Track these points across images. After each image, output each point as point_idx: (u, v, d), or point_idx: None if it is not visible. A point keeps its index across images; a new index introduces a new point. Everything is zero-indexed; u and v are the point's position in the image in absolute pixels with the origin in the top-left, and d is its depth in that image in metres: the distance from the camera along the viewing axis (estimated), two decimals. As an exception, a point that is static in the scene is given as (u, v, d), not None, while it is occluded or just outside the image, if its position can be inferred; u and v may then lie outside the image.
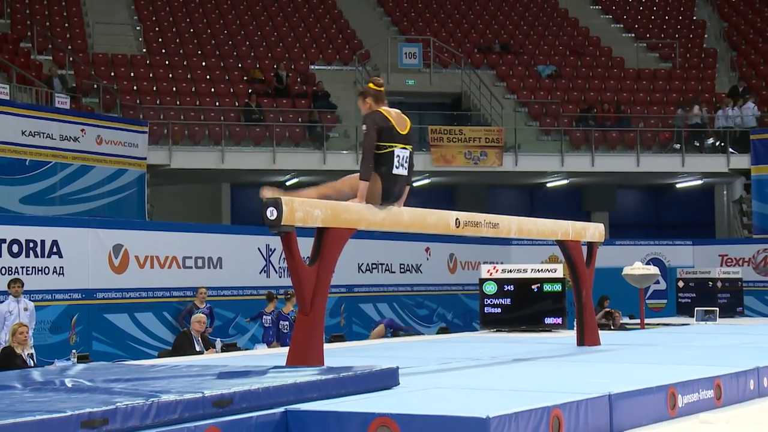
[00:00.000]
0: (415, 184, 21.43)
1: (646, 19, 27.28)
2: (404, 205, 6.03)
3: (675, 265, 18.92)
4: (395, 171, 5.59)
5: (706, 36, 26.62)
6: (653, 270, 13.63)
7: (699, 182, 22.25)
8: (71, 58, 19.76)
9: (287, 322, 13.03)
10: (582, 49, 25.13)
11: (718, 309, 13.64)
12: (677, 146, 20.78)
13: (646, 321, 13.76)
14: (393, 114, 5.70)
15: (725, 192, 23.33)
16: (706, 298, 15.41)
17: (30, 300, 11.52)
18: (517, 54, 24.32)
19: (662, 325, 13.34)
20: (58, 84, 17.73)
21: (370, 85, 5.80)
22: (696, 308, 13.82)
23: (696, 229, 23.11)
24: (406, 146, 5.66)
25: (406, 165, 5.65)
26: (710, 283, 16.01)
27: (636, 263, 13.69)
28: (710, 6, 27.71)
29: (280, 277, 14.77)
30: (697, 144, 21.16)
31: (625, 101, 22.69)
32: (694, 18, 27.47)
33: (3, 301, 11.35)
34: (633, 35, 26.28)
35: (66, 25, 21.74)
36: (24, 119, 14.80)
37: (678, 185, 23.01)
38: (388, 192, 5.63)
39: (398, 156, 5.60)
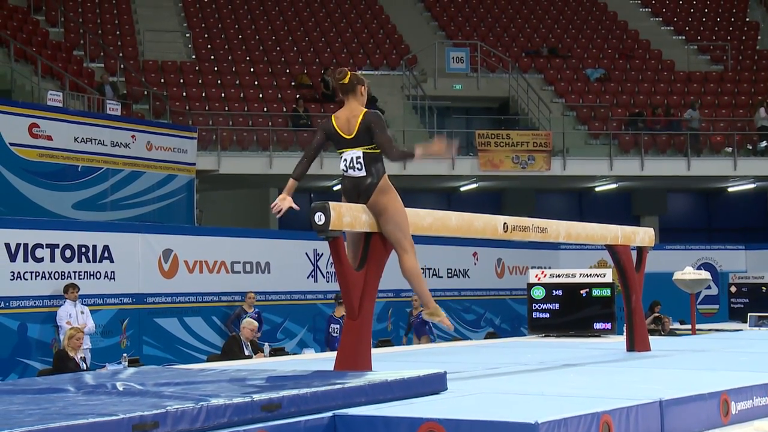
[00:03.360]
0: (462, 189, 21.47)
1: (697, 21, 26.94)
2: (452, 210, 5.99)
3: (727, 270, 18.64)
4: (347, 173, 5.47)
5: (759, 38, 26.21)
6: (705, 275, 13.44)
7: (752, 186, 21.91)
8: (122, 66, 20.04)
9: (338, 326, 13.10)
10: (631, 52, 24.88)
11: (772, 315, 13.43)
12: (729, 149, 20.50)
13: (698, 326, 13.58)
14: (342, 117, 5.50)
15: (779, 196, 22.94)
16: (760, 303, 15.18)
17: (83, 304, 11.73)
18: (565, 58, 24.16)
19: (714, 331, 13.15)
20: (109, 91, 17.99)
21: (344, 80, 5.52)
22: (749, 313, 13.63)
23: (749, 234, 22.75)
24: (356, 148, 5.41)
25: (358, 166, 5.40)
26: (764, 288, 15.77)
27: (687, 268, 13.52)
28: (764, 7, 27.29)
29: (327, 281, 14.82)
30: (750, 147, 20.86)
31: (675, 104, 22.43)
32: (747, 20, 27.05)
33: (61, 305, 11.55)
34: (684, 38, 25.97)
35: (117, 33, 22.06)
36: (76, 126, 15.03)
37: (730, 189, 22.68)
38: (347, 192, 5.52)
39: (345, 160, 5.47)
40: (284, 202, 5.41)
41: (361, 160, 5.41)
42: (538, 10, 26.58)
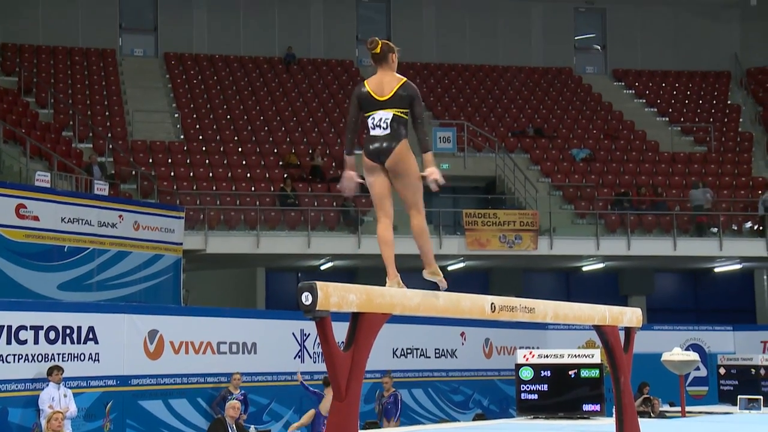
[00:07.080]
0: (450, 268, 21.45)
1: (680, 104, 27.38)
2: (440, 290, 5.99)
3: (715, 351, 18.56)
4: (372, 132, 5.75)
5: (741, 120, 26.63)
6: (693, 356, 13.39)
7: (738, 266, 21.99)
8: (111, 146, 20.14)
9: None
10: (616, 133, 25.21)
11: (762, 397, 13.33)
12: (714, 230, 20.63)
13: (687, 409, 13.47)
14: (374, 81, 5.75)
15: (765, 276, 23.00)
16: (749, 385, 15.07)
17: (66, 387, 11.54)
18: (551, 138, 24.44)
19: (704, 414, 13.04)
20: (97, 171, 18.05)
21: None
22: (739, 396, 13.52)
23: (736, 315, 22.75)
24: (387, 109, 5.68)
25: (383, 125, 5.69)
26: (753, 370, 15.67)
27: (675, 349, 13.47)
28: (745, 90, 27.77)
29: (314, 362, 14.67)
30: (735, 228, 21.01)
31: (660, 185, 22.64)
32: (729, 102, 27.51)
33: (44, 389, 11.36)
34: (667, 119, 26.36)
35: (107, 113, 22.24)
36: (64, 206, 15.02)
37: (716, 269, 22.74)
38: (368, 152, 5.78)
39: (373, 118, 5.72)
40: (350, 181, 5.82)
41: (389, 121, 5.68)
42: (523, 91, 26.97)
